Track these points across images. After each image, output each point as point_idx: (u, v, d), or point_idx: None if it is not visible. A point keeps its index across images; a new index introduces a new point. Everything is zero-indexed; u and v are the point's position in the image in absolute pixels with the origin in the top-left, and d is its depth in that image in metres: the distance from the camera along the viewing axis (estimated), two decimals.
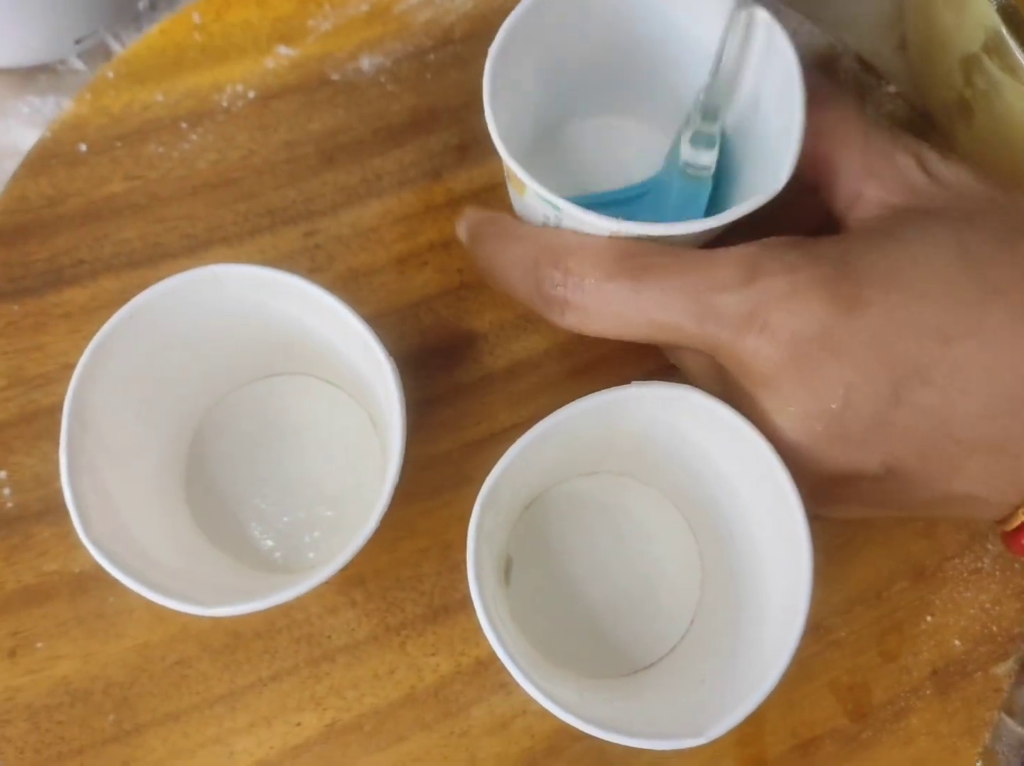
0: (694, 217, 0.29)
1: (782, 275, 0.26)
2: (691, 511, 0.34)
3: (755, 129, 0.31)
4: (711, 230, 0.28)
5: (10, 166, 0.40)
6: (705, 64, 0.31)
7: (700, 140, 0.31)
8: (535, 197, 0.29)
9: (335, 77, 0.38)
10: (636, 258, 0.27)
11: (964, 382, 0.26)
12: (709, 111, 0.31)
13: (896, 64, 0.42)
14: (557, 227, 0.30)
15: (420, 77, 0.38)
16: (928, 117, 0.38)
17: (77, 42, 0.39)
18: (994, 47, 0.31)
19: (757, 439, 0.27)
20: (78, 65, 0.41)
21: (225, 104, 0.37)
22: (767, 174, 0.29)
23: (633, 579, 0.34)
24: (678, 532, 0.34)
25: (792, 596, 0.27)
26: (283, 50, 0.38)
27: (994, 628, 0.35)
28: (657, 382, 0.28)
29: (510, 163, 0.28)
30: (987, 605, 0.35)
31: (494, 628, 0.26)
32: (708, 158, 0.31)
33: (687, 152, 0.31)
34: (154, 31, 0.38)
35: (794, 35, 0.38)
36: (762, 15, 0.29)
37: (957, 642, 0.34)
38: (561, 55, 0.32)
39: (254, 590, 0.28)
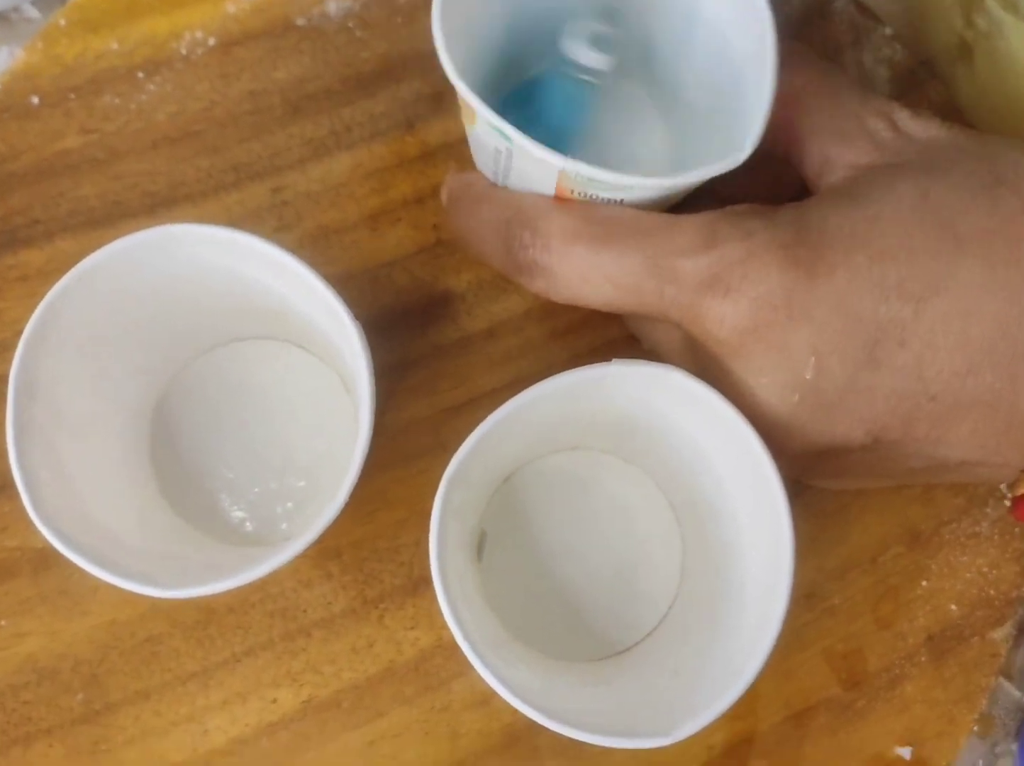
0: (577, 125, 0.29)
1: (739, 241, 0.26)
2: (674, 492, 0.33)
3: (723, 86, 0.30)
4: (665, 188, 0.27)
5: None
6: (680, 17, 0.30)
7: (591, 39, 0.30)
8: (486, 126, 0.27)
9: (300, 22, 0.36)
10: (602, 223, 0.27)
11: (939, 339, 0.25)
12: (607, 9, 0.30)
13: (893, 5, 0.40)
14: (507, 165, 0.29)
15: (391, 22, 0.36)
16: (927, 61, 0.37)
17: None
18: None
19: (737, 419, 0.26)
20: (32, 13, 0.40)
21: (184, 52, 0.36)
22: (734, 136, 0.27)
23: (612, 560, 0.33)
24: (660, 513, 0.34)
25: (772, 586, 0.26)
26: None
27: (991, 592, 0.34)
28: (638, 360, 0.27)
29: (459, 85, 0.27)
30: (984, 569, 0.34)
31: (454, 613, 0.26)
32: (599, 60, 0.30)
33: (573, 49, 0.30)
34: None
35: None
36: None
37: (953, 607, 0.34)
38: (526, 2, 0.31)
39: (223, 565, 0.27)
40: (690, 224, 0.27)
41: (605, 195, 0.28)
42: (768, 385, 0.26)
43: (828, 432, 0.26)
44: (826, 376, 0.25)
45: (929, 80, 0.37)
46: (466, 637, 0.25)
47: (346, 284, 0.34)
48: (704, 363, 0.28)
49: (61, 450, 0.27)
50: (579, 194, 0.28)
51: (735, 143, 0.27)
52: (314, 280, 0.26)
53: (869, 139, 0.28)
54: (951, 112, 0.36)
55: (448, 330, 0.34)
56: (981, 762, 0.36)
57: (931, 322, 0.25)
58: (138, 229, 0.34)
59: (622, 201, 0.28)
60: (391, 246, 0.35)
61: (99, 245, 0.34)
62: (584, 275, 0.27)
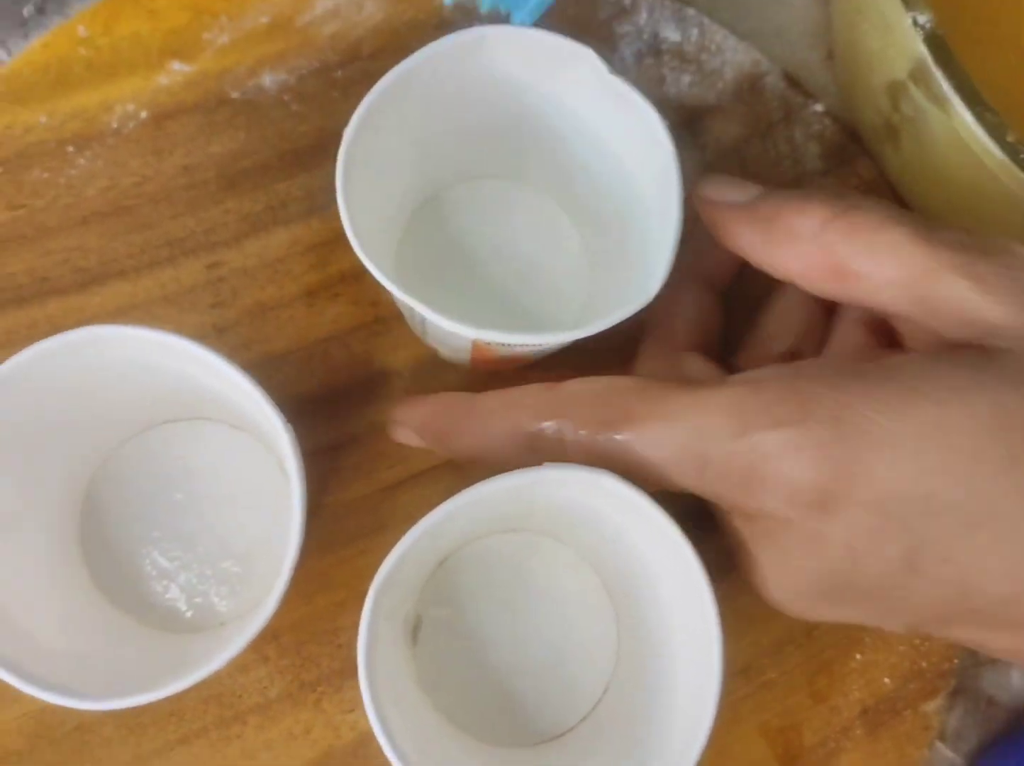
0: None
1: (771, 430, 0.24)
2: (609, 579, 0.34)
3: (634, 218, 0.31)
4: (574, 338, 0.28)
5: None
6: (584, 137, 0.32)
7: None
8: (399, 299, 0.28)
9: (235, 95, 0.36)
10: (623, 406, 0.26)
11: (989, 563, 0.23)
12: None
13: (825, 76, 0.41)
14: (424, 326, 0.30)
15: (327, 95, 0.36)
16: (857, 137, 0.38)
17: None
18: (920, 76, 0.30)
19: (666, 524, 0.26)
20: None
21: (115, 126, 0.35)
22: (647, 266, 0.29)
23: (545, 644, 0.33)
24: (595, 599, 0.34)
25: (701, 690, 0.26)
26: (177, 66, 0.36)
27: (923, 664, 0.35)
28: (569, 465, 0.26)
29: (365, 261, 0.28)
30: (916, 642, 0.35)
31: (380, 718, 0.26)
32: None
33: None
34: (36, 46, 0.36)
35: (718, 51, 0.37)
36: (637, 99, 0.29)
37: (887, 680, 0.35)
38: (431, 125, 0.32)
39: (156, 664, 0.27)
40: (719, 404, 0.25)
41: (520, 349, 0.29)
42: (799, 568, 0.26)
43: (858, 615, 0.26)
44: (861, 572, 0.25)
45: (859, 156, 0.38)
46: (389, 739, 0.25)
47: (284, 359, 0.35)
48: (732, 525, 0.28)
49: None
50: (495, 348, 0.29)
51: (645, 277, 0.28)
52: (249, 386, 0.26)
53: (949, 304, 0.25)
54: (881, 187, 0.38)
55: (387, 407, 0.34)
56: None
57: (982, 546, 0.23)
58: (69, 307, 0.34)
59: (539, 345, 0.29)
60: (328, 322, 0.35)
61: (28, 323, 0.34)
62: (616, 463, 0.26)
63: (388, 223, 0.34)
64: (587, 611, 0.34)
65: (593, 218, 0.34)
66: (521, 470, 0.26)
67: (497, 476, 0.26)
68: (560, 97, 0.31)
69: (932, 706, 0.35)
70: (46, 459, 0.29)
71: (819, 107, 0.38)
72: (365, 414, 0.35)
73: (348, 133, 0.28)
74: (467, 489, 0.26)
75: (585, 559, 0.34)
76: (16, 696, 0.32)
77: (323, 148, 0.36)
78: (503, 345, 0.29)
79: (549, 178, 0.35)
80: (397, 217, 0.34)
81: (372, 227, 0.29)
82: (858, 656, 0.35)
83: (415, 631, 0.33)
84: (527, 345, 0.28)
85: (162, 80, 0.36)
